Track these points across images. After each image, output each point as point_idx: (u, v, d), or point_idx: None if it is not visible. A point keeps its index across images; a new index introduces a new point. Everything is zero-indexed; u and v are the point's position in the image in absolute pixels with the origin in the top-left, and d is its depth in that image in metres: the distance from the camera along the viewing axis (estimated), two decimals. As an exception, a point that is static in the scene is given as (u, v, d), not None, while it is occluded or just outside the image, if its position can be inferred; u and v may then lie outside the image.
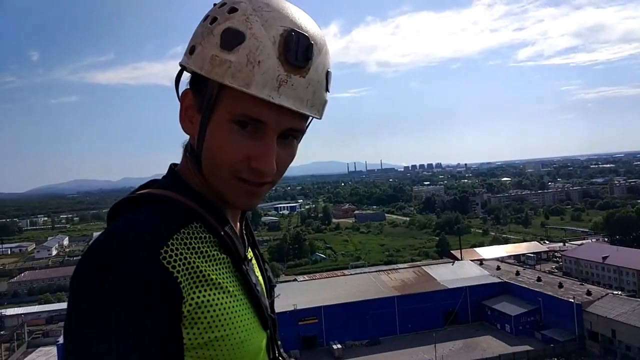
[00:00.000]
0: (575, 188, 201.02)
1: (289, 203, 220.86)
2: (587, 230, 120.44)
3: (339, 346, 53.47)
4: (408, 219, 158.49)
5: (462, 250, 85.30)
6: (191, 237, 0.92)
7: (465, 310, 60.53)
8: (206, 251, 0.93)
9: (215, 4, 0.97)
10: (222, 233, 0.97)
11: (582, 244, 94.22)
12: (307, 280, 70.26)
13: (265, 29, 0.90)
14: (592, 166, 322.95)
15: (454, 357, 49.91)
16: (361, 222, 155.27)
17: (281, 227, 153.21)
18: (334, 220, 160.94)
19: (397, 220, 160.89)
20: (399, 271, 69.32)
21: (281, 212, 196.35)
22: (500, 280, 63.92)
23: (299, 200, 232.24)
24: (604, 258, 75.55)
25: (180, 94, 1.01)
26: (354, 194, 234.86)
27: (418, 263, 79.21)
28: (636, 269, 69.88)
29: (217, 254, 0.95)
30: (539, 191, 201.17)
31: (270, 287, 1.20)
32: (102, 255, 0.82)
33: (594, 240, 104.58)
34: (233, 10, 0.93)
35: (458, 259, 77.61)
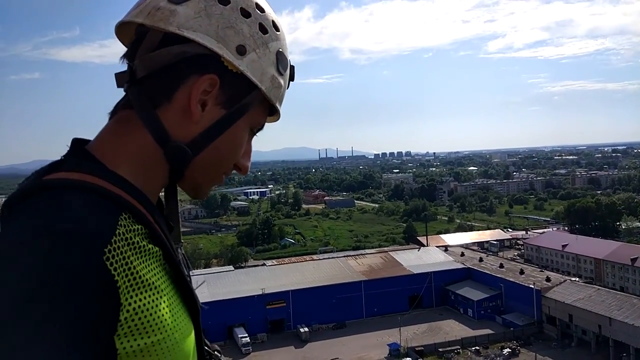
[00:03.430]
0: (539, 178, 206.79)
1: (259, 188, 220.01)
2: (548, 219, 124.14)
3: (306, 329, 54.02)
4: (377, 205, 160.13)
5: (428, 237, 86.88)
6: (128, 230, 0.81)
7: (429, 294, 61.95)
8: (142, 246, 0.83)
9: None
10: (154, 223, 0.88)
11: (543, 233, 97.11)
12: (275, 264, 70.44)
13: (286, 54, 1.07)
14: (555, 157, 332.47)
15: (418, 340, 51.22)
16: (331, 208, 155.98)
17: (251, 212, 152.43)
18: (304, 206, 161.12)
19: (367, 206, 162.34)
20: (366, 256, 70.30)
21: (251, 197, 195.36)
22: (464, 266, 65.60)
23: (269, 186, 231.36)
24: (564, 246, 78.09)
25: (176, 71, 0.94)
26: (324, 180, 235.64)
27: (385, 249, 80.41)
28: (593, 256, 72.51)
29: (151, 248, 0.86)
30: (504, 181, 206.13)
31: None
32: (40, 255, 0.71)
33: (555, 229, 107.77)
34: (276, 28, 1.03)
35: (424, 245, 79.09)
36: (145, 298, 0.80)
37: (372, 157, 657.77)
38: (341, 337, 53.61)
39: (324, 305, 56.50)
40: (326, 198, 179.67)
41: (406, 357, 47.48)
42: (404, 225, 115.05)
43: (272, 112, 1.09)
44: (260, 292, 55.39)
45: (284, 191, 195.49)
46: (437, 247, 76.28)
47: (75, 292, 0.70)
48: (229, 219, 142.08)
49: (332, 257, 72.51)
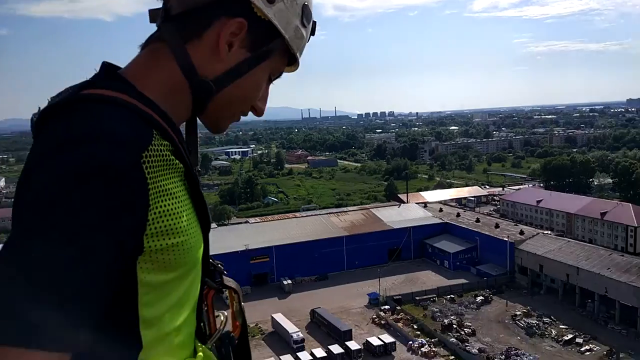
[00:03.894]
0: (517, 137, 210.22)
1: (240, 148, 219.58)
2: (525, 176, 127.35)
3: (289, 282, 55.98)
4: (359, 165, 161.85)
5: (409, 194, 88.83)
6: (159, 143, 0.93)
7: (408, 248, 64.25)
8: (170, 160, 0.95)
9: None
10: (178, 142, 1.00)
11: (519, 189, 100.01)
12: (259, 222, 71.84)
13: (311, 8, 1.16)
14: (535, 117, 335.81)
15: (396, 289, 53.57)
16: (314, 168, 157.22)
17: (233, 171, 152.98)
18: (286, 165, 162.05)
19: (349, 166, 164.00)
20: (348, 213, 72.03)
21: (232, 157, 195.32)
22: (442, 221, 67.84)
23: (251, 146, 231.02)
24: (538, 202, 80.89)
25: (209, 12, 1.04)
26: (307, 140, 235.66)
27: (367, 206, 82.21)
28: (566, 211, 75.42)
29: (177, 163, 0.98)
30: (484, 140, 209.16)
31: None
32: (87, 152, 0.81)
33: (530, 185, 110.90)
34: None
35: (404, 202, 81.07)
36: (168, 204, 0.94)
37: (356, 117, 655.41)
38: (323, 288, 55.77)
39: (307, 260, 58.32)
40: (309, 158, 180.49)
41: (385, 305, 49.83)
42: (386, 183, 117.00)
43: (291, 62, 1.19)
44: (244, 248, 56.82)
45: (267, 151, 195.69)
46: (416, 203, 78.30)
47: (117, 188, 0.83)
48: (210, 178, 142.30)
49: (315, 215, 74.12)
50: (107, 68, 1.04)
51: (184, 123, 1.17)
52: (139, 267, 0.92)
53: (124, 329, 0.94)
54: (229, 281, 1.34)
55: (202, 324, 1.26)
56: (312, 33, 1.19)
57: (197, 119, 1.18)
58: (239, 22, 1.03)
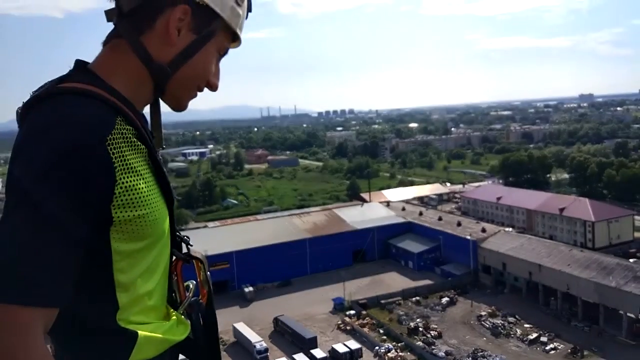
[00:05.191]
0: (475, 133, 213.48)
1: (198, 148, 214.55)
2: (484, 172, 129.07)
3: (251, 289, 53.99)
4: (321, 164, 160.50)
5: (371, 193, 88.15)
6: (122, 128, 1.10)
7: (372, 248, 63.30)
8: (133, 142, 1.12)
9: None
10: (141, 126, 1.16)
11: (479, 186, 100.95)
12: (218, 226, 69.46)
13: None
14: (491, 113, 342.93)
15: (361, 293, 52.41)
16: (274, 168, 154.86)
17: (190, 173, 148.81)
18: (246, 166, 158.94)
19: (311, 165, 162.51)
20: (310, 214, 70.59)
21: (190, 158, 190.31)
22: (405, 220, 67.27)
23: (209, 146, 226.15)
24: (498, 198, 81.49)
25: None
26: (267, 140, 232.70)
27: (329, 206, 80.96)
28: (526, 207, 76.23)
29: (139, 145, 1.14)
30: (443, 136, 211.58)
31: None
32: (61, 136, 0.99)
33: (490, 182, 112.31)
34: None
35: (367, 202, 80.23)
36: (133, 180, 1.10)
37: (316, 115, 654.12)
38: (286, 294, 54.04)
39: (269, 265, 56.44)
40: (269, 157, 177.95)
41: (350, 310, 48.57)
42: (348, 182, 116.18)
43: (235, 39, 1.36)
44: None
45: (225, 151, 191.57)
46: (379, 202, 77.59)
47: (86, 164, 1.00)
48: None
49: (277, 217, 72.31)
50: (79, 64, 1.21)
51: (149, 105, 1.33)
52: (112, 236, 1.09)
53: (102, 292, 1.12)
54: (195, 252, 1.47)
55: (173, 294, 1.42)
56: (249, 10, 1.35)
57: (160, 100, 1.34)
58: (183, 8, 1.18)
